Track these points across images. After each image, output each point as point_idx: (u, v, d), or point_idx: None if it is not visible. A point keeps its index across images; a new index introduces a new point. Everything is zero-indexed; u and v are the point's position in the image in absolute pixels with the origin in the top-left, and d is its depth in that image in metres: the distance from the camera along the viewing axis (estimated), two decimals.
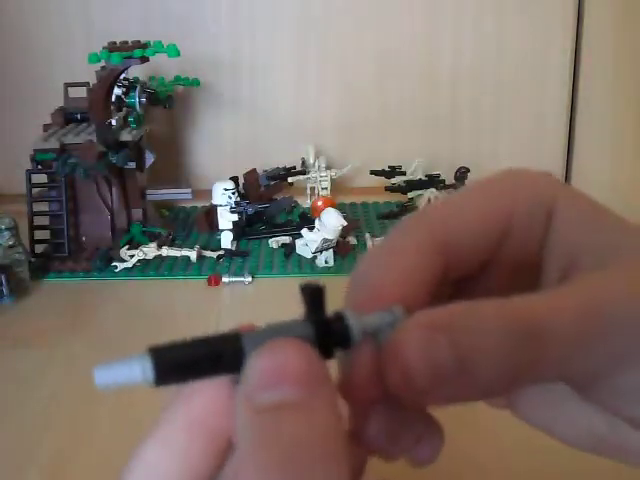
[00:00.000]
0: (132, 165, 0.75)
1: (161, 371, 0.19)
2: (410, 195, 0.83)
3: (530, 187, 0.26)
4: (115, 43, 0.69)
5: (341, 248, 0.72)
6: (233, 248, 0.74)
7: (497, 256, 0.25)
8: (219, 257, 0.72)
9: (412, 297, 0.22)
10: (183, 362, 0.19)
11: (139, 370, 0.19)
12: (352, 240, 0.75)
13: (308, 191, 0.88)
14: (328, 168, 0.87)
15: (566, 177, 0.99)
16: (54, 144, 0.72)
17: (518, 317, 0.20)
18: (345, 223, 0.70)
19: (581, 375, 0.22)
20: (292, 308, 0.21)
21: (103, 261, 0.71)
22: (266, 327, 0.20)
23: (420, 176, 0.84)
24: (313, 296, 0.21)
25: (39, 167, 0.73)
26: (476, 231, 0.24)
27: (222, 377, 0.20)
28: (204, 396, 0.22)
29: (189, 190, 0.81)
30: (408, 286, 0.22)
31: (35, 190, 0.73)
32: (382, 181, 0.86)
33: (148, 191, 0.79)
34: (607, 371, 0.21)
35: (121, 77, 0.76)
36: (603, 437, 0.24)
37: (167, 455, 0.21)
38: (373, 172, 0.87)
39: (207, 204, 0.79)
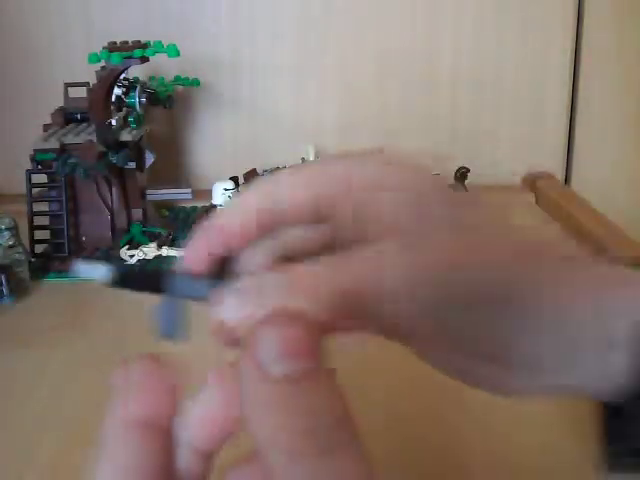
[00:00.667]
0: (132, 165, 0.75)
1: (116, 277, 0.28)
2: None
3: (359, 173, 0.30)
4: (115, 43, 0.69)
5: None
6: None
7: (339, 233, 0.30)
8: None
9: (241, 231, 0.29)
10: (130, 276, 0.29)
11: (104, 271, 0.28)
12: None
13: None
14: None
15: (566, 177, 0.99)
16: (54, 144, 0.72)
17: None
18: None
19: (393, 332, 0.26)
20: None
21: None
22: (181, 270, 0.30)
23: None
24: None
25: (39, 167, 0.73)
26: (289, 202, 0.30)
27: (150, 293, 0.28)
28: (138, 397, 0.24)
29: (189, 190, 0.81)
30: (241, 226, 0.29)
31: (35, 190, 0.73)
32: None
33: (148, 191, 0.79)
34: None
35: (121, 77, 0.76)
36: (463, 370, 0.28)
37: (119, 471, 0.23)
38: None
39: (207, 204, 0.79)
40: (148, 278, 0.30)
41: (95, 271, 0.28)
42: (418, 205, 0.29)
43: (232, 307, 0.26)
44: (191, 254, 0.29)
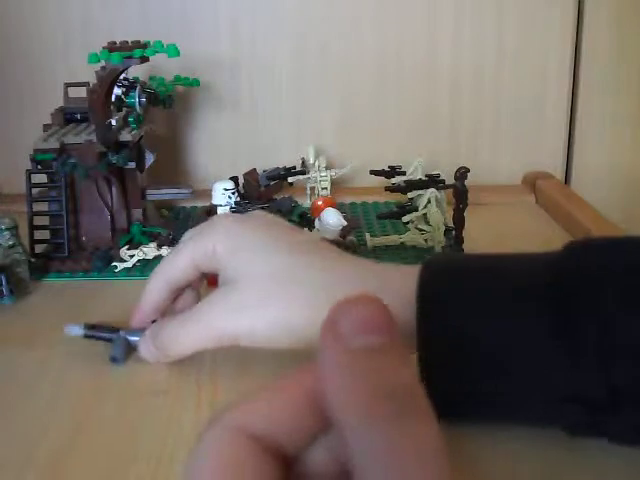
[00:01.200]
0: (132, 165, 0.75)
1: (86, 333, 0.54)
2: (410, 195, 0.83)
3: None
4: (115, 43, 0.69)
5: (340, 248, 0.72)
6: None
7: None
8: None
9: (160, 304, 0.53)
10: (94, 333, 0.55)
11: (80, 329, 0.54)
12: (352, 240, 0.75)
13: (308, 191, 0.88)
14: (328, 168, 0.87)
15: (566, 177, 0.99)
16: (54, 144, 0.72)
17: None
18: (345, 223, 0.69)
19: None
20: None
21: (103, 261, 0.71)
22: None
23: (420, 176, 0.84)
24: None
25: (39, 167, 0.72)
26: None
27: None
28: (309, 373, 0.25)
29: (189, 190, 0.81)
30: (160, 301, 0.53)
31: (35, 190, 0.73)
32: (382, 181, 0.86)
33: (148, 191, 0.79)
34: None
35: (121, 77, 0.76)
36: None
37: (282, 402, 0.24)
38: (373, 172, 0.87)
39: (207, 204, 0.79)
40: (108, 330, 0.54)
41: (74, 330, 0.54)
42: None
43: (141, 348, 0.52)
44: (135, 320, 0.53)
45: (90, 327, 0.55)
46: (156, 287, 0.52)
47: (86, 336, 0.54)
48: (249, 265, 0.48)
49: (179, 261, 0.51)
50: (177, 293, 0.53)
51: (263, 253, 0.48)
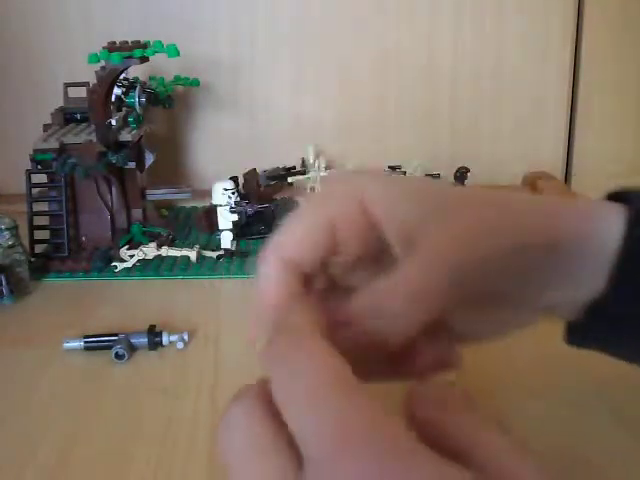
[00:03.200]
0: (132, 165, 0.75)
1: (85, 346, 0.54)
2: None
3: (341, 193, 0.33)
4: (115, 43, 0.69)
5: None
6: (233, 248, 0.74)
7: (364, 251, 0.33)
8: (219, 257, 0.72)
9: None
10: (94, 345, 0.54)
11: (79, 343, 0.54)
12: None
13: (308, 191, 0.88)
14: (328, 168, 0.87)
15: (566, 177, 0.99)
16: (54, 144, 0.72)
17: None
18: None
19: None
20: None
21: (103, 261, 0.71)
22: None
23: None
24: None
25: (39, 167, 0.72)
26: (307, 244, 0.33)
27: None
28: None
29: (189, 190, 0.81)
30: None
31: (35, 190, 0.73)
32: None
33: (148, 191, 0.79)
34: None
35: (121, 77, 0.76)
36: (507, 322, 0.35)
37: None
38: None
39: (207, 204, 0.79)
40: (105, 342, 0.54)
41: (74, 344, 0.54)
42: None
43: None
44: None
45: (89, 338, 0.55)
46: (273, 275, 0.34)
47: (86, 348, 0.55)
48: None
49: (299, 233, 0.33)
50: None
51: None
